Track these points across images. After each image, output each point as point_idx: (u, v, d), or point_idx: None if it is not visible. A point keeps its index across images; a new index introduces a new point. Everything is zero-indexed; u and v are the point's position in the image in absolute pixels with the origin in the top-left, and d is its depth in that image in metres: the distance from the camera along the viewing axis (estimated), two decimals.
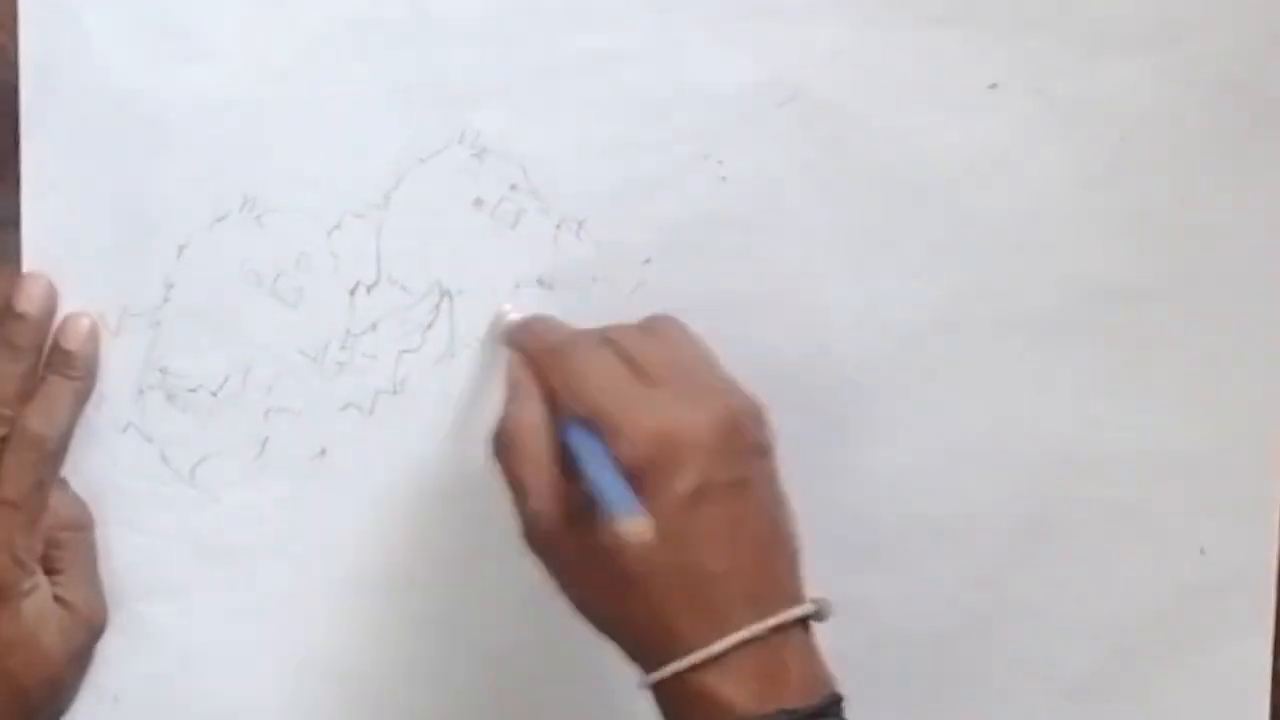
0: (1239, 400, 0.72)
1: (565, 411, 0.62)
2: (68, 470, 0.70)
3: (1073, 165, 0.71)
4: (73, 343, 0.69)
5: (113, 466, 0.71)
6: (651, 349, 0.64)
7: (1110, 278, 0.72)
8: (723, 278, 0.71)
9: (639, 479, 0.59)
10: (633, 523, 0.57)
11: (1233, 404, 0.72)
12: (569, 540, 0.62)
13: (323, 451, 0.72)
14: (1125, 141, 0.71)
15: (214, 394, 0.71)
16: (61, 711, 0.71)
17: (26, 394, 0.68)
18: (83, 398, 0.69)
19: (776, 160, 0.71)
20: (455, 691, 0.73)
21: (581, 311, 0.71)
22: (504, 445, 0.64)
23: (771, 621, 0.59)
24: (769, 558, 0.62)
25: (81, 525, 0.70)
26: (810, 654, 0.61)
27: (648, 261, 0.71)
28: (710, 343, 0.71)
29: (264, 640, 0.72)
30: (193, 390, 0.71)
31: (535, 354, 0.65)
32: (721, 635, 0.59)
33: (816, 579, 0.71)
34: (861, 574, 0.73)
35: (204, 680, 0.72)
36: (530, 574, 0.71)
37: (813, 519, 0.72)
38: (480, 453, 0.71)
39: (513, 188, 0.70)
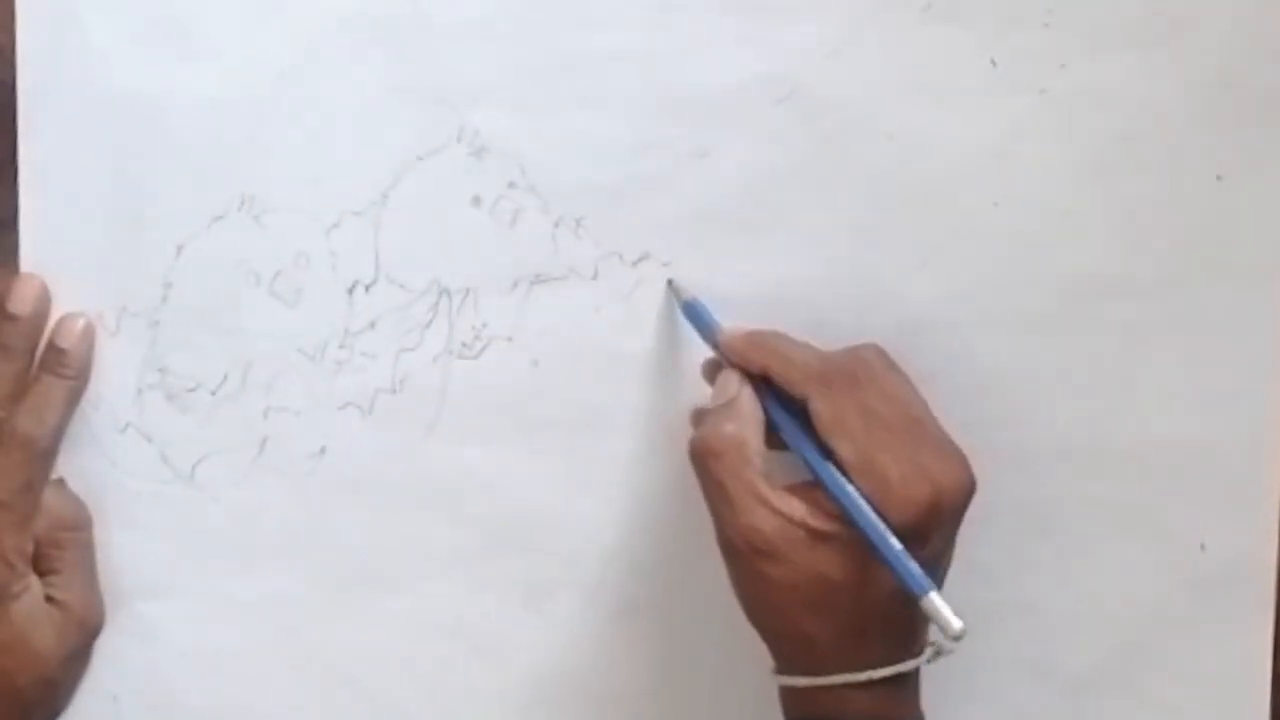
0: (1239, 396, 0.72)
1: (829, 449, 0.64)
2: (67, 470, 0.70)
3: (1070, 161, 0.71)
4: (66, 341, 0.69)
5: (112, 466, 0.71)
6: (894, 394, 0.66)
7: (1109, 273, 0.72)
8: (721, 275, 0.71)
9: (900, 538, 0.62)
10: (953, 620, 0.62)
11: (1232, 399, 0.72)
12: (788, 562, 0.63)
13: (322, 450, 0.72)
14: (1123, 137, 0.71)
15: (213, 393, 0.71)
16: (58, 711, 0.71)
17: (18, 394, 0.68)
18: (75, 397, 0.69)
19: (774, 157, 0.71)
20: (455, 691, 0.73)
21: (580, 310, 0.71)
22: (714, 456, 0.65)
23: (917, 662, 0.65)
24: None
25: (79, 525, 0.70)
26: (918, 683, 0.67)
27: (646, 259, 0.71)
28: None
29: (264, 640, 0.72)
30: (192, 390, 0.71)
31: (794, 377, 0.66)
32: (884, 665, 0.64)
33: None
34: None
35: (203, 680, 0.72)
36: (530, 574, 0.72)
37: None
38: (480, 452, 0.71)
39: (511, 186, 0.70)
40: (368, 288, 0.71)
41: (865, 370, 0.66)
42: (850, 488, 0.63)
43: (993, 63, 0.71)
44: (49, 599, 0.69)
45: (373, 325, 0.71)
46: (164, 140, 0.69)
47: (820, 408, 0.64)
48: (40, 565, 0.69)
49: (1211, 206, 0.71)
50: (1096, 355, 0.72)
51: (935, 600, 0.62)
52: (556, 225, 0.71)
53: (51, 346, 0.69)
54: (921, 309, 0.71)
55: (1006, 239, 0.71)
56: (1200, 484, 0.72)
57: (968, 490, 0.65)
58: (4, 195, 0.69)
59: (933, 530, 0.63)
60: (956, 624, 0.61)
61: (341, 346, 0.71)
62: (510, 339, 0.71)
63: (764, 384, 0.67)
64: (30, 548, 0.68)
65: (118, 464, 0.71)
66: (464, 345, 0.71)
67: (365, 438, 0.71)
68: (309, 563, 0.72)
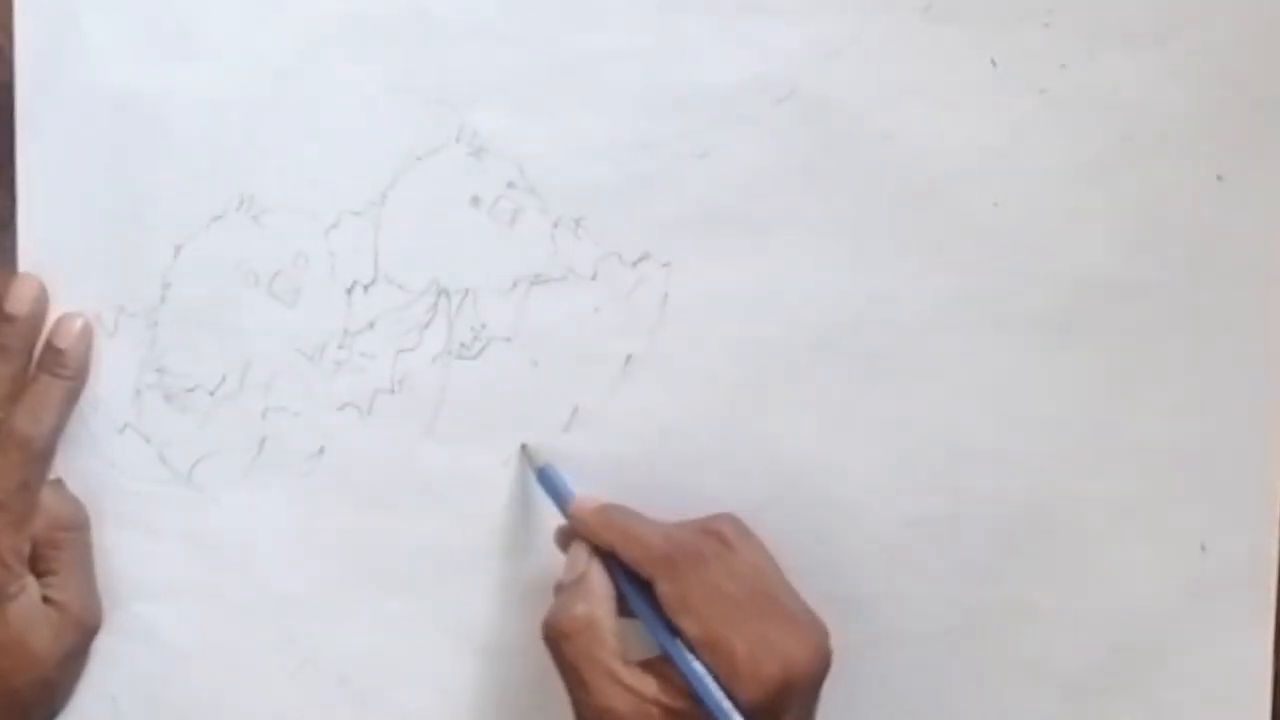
0: (1239, 396, 0.72)
1: (677, 626, 0.65)
2: (65, 471, 0.70)
3: (1070, 161, 0.71)
4: (64, 341, 0.69)
5: (111, 467, 0.71)
6: (743, 569, 0.66)
7: (1110, 274, 0.72)
8: (721, 276, 0.71)
9: (749, 715, 0.63)
10: None
11: (1233, 400, 0.72)
12: None
13: (321, 451, 0.71)
14: (1123, 137, 0.71)
15: (212, 394, 0.71)
16: (55, 712, 0.71)
17: (15, 394, 0.68)
18: (73, 397, 0.69)
19: (774, 158, 0.70)
20: (455, 691, 0.73)
21: (580, 311, 0.71)
22: (565, 637, 0.66)
23: None
24: None
25: (77, 525, 0.70)
26: None
27: (645, 259, 0.71)
28: (708, 342, 0.71)
29: (263, 640, 0.72)
30: (190, 390, 0.71)
31: (638, 557, 0.67)
32: None
33: (816, 578, 0.71)
34: (861, 572, 0.73)
35: (202, 680, 0.72)
36: (529, 574, 0.72)
37: (812, 518, 0.72)
38: (479, 452, 0.71)
39: (510, 186, 0.70)
40: (366, 288, 0.71)
41: (713, 547, 0.66)
42: (698, 666, 0.64)
43: (993, 63, 0.71)
44: (46, 599, 0.69)
45: (372, 325, 0.71)
46: (163, 140, 0.69)
47: (666, 589, 0.65)
48: (38, 566, 0.69)
49: (1211, 206, 0.71)
50: (1095, 356, 0.72)
51: None
52: (556, 225, 0.71)
53: (49, 346, 0.69)
54: (921, 309, 0.71)
55: (1007, 239, 0.71)
56: (1200, 484, 0.72)
57: (820, 664, 0.66)
58: (2, 195, 0.69)
59: (784, 708, 0.64)
60: None
61: (340, 347, 0.71)
62: (509, 339, 0.71)
63: (614, 558, 0.68)
64: (27, 548, 0.68)
65: (116, 464, 0.71)
66: (463, 346, 0.71)
67: (364, 438, 0.71)
68: (308, 563, 0.72)
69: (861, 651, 0.73)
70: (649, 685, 0.64)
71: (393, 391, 0.71)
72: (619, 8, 0.69)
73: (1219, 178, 0.71)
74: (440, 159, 0.70)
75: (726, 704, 0.63)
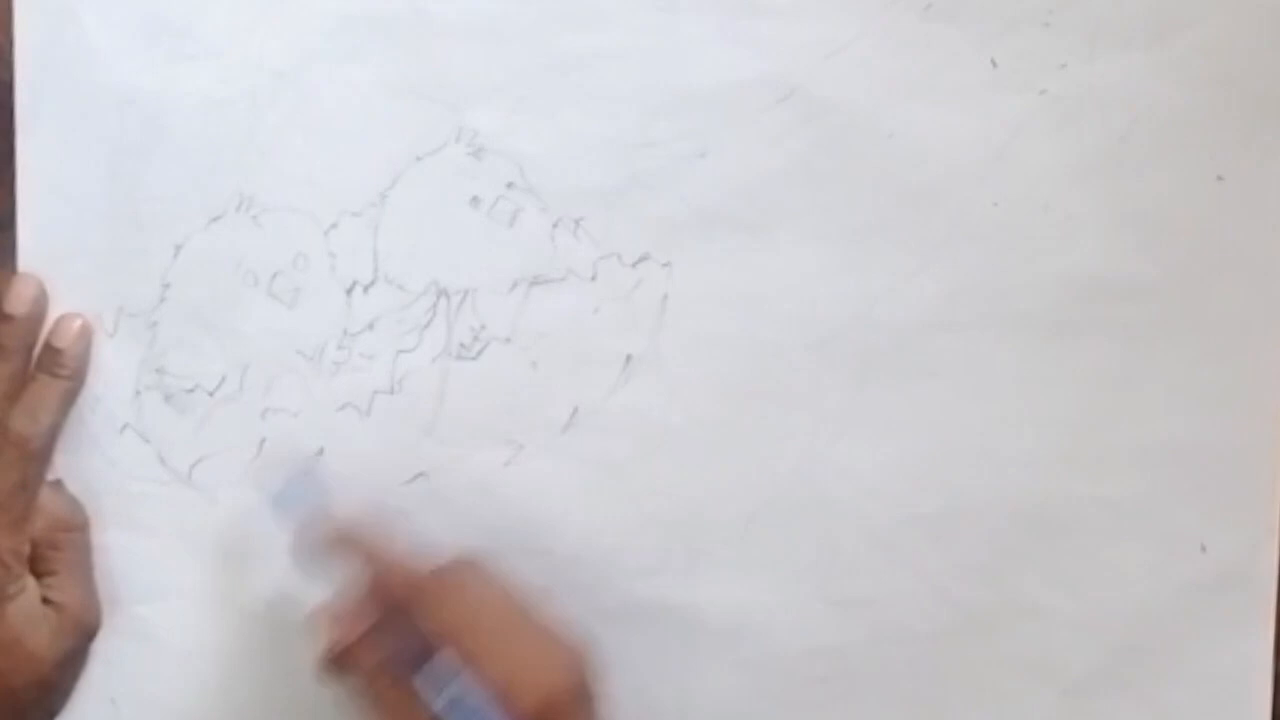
0: (1239, 396, 0.72)
1: (442, 650, 0.64)
2: (65, 471, 0.70)
3: (1070, 161, 0.71)
4: (62, 341, 0.69)
5: (110, 467, 0.71)
6: (496, 594, 0.66)
7: (1109, 274, 0.72)
8: (720, 276, 0.71)
9: None
10: None
11: (1233, 400, 0.72)
12: None
13: (320, 451, 0.71)
14: (1123, 137, 0.71)
15: (211, 394, 0.71)
16: (54, 713, 0.71)
17: (13, 394, 0.68)
18: (70, 397, 0.69)
19: (773, 158, 0.70)
20: None
21: (580, 311, 0.71)
22: (350, 668, 0.65)
23: None
24: None
25: (76, 526, 0.70)
26: None
27: (645, 259, 0.71)
28: (708, 342, 0.71)
29: (262, 641, 0.72)
30: (190, 390, 0.71)
31: (396, 586, 0.66)
32: None
33: (817, 576, 0.72)
34: (860, 572, 0.73)
35: (202, 681, 0.72)
36: (529, 574, 0.72)
37: (811, 517, 0.72)
38: (479, 453, 0.71)
39: (510, 186, 0.70)
40: (366, 288, 0.71)
41: (459, 574, 0.67)
42: (454, 685, 0.63)
43: (993, 63, 0.71)
44: (45, 600, 0.69)
45: (371, 326, 0.71)
46: (162, 140, 0.69)
47: (424, 614, 0.65)
48: (37, 566, 0.69)
49: (1211, 206, 0.71)
50: (1096, 356, 0.72)
51: None
52: (555, 226, 0.71)
53: (48, 346, 0.69)
54: (921, 309, 0.71)
55: (1006, 239, 0.71)
56: (1200, 485, 0.72)
57: (577, 668, 0.65)
58: (2, 195, 0.69)
59: None
60: None
61: (340, 347, 0.71)
62: (509, 340, 0.71)
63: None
64: (26, 548, 0.68)
65: (116, 465, 0.71)
66: (462, 346, 0.71)
67: (363, 439, 0.71)
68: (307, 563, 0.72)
69: (861, 651, 0.73)
70: None
71: (392, 392, 0.71)
72: (619, 8, 0.69)
73: (1219, 178, 0.71)
74: (440, 159, 0.70)
75: (482, 705, 0.62)
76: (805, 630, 0.73)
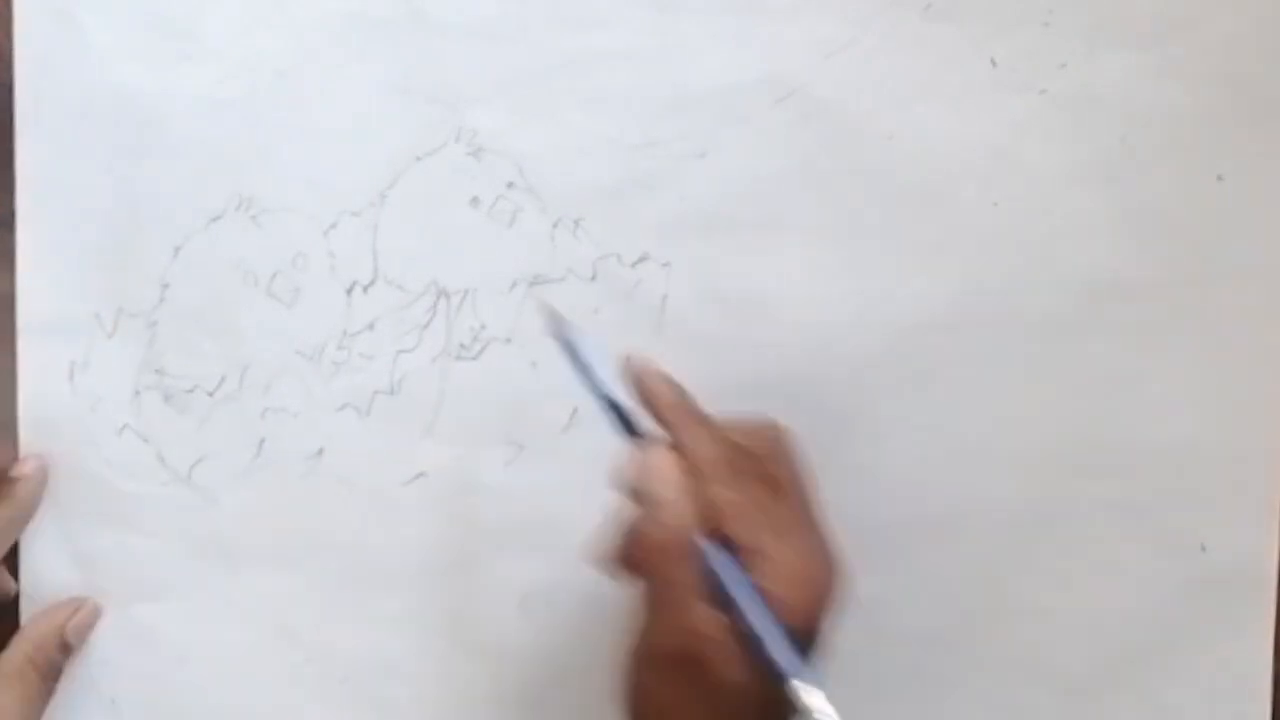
0: (1240, 397, 0.72)
1: (722, 539, 0.61)
2: (65, 471, 0.70)
3: (1070, 161, 0.71)
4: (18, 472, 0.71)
5: (109, 468, 0.71)
6: (785, 477, 0.63)
7: (1111, 275, 0.72)
8: (720, 276, 0.71)
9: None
10: (821, 702, 0.58)
11: (1233, 400, 0.72)
12: (710, 666, 0.60)
13: (320, 452, 0.71)
14: (1123, 137, 0.71)
15: (210, 394, 0.71)
16: None
17: None
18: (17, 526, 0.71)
19: (773, 158, 0.70)
20: (454, 692, 0.73)
21: (579, 310, 0.71)
22: (661, 552, 0.60)
23: None
24: None
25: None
26: None
27: (644, 259, 0.71)
28: (708, 342, 0.71)
29: (261, 641, 0.72)
30: (189, 391, 0.71)
31: (692, 460, 0.62)
32: None
33: None
34: (861, 572, 0.72)
35: (201, 681, 0.72)
36: (530, 574, 0.72)
37: None
38: (479, 453, 0.71)
39: (509, 186, 0.70)
40: (366, 289, 0.71)
41: (751, 453, 0.63)
42: (737, 577, 0.60)
43: (993, 63, 0.71)
44: None
45: (371, 326, 0.71)
46: (161, 140, 0.69)
47: (714, 497, 0.61)
48: None
49: (1211, 206, 0.71)
50: (1097, 355, 0.72)
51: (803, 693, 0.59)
52: (555, 226, 0.71)
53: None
54: (922, 310, 0.71)
55: (1007, 240, 0.71)
56: (1200, 484, 0.72)
57: (842, 588, 0.63)
58: (1, 195, 0.69)
59: (814, 627, 0.61)
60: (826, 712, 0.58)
61: (339, 347, 0.71)
62: (509, 340, 0.71)
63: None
64: None
65: (115, 465, 0.71)
66: (462, 346, 0.71)
67: (363, 439, 0.71)
68: (307, 564, 0.72)
69: (861, 651, 0.73)
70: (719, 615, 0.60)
71: (392, 392, 0.71)
72: (618, 8, 0.69)
73: (1219, 178, 0.71)
74: (439, 159, 0.70)
75: (783, 645, 0.59)
76: None
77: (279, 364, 0.71)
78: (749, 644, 0.59)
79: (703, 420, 0.64)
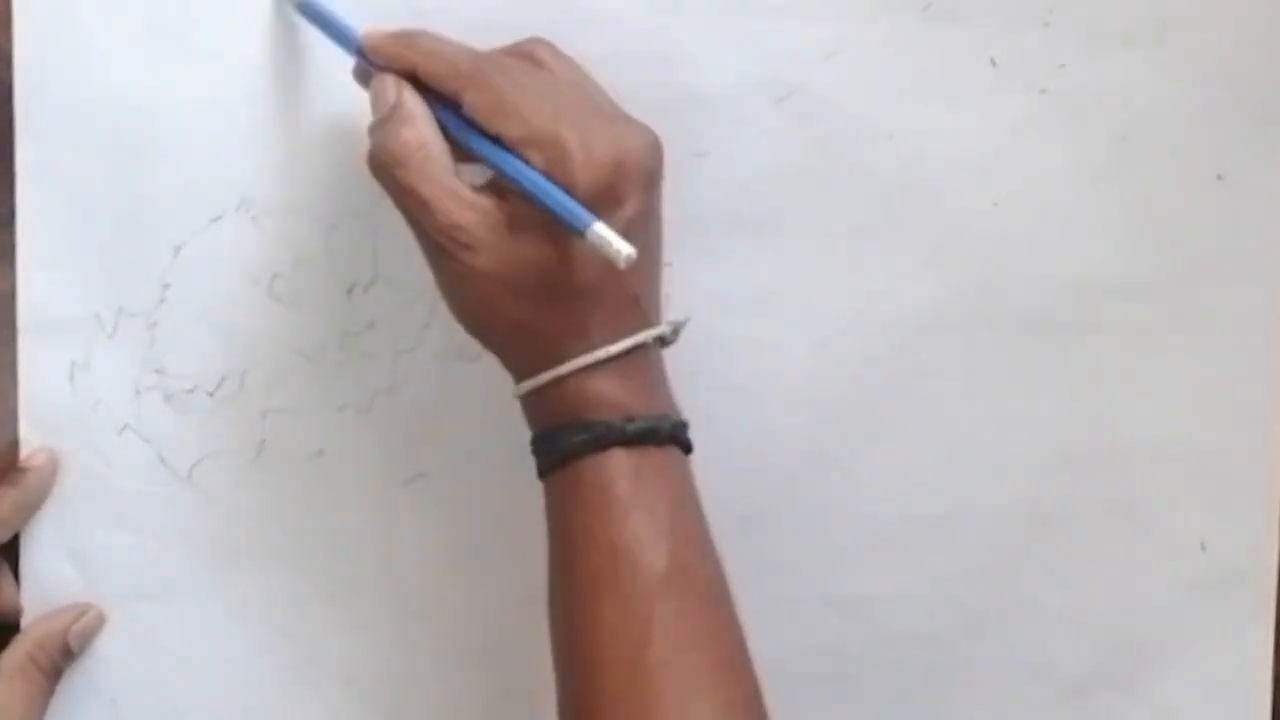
0: (1239, 396, 0.72)
1: (498, 133, 0.61)
2: (65, 471, 0.71)
3: (1070, 161, 0.71)
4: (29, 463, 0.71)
5: (109, 468, 0.71)
6: (560, 79, 0.64)
7: (1111, 274, 0.72)
8: (720, 276, 0.71)
9: (591, 204, 0.60)
10: (622, 245, 0.58)
11: (1233, 400, 0.72)
12: (494, 250, 0.61)
13: (320, 451, 0.71)
14: (1123, 137, 0.71)
15: (211, 394, 0.71)
16: None
17: None
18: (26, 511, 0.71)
19: (773, 158, 0.71)
20: (454, 691, 0.73)
21: None
22: (398, 164, 0.62)
23: (652, 332, 0.63)
24: (656, 278, 0.65)
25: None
26: (665, 376, 0.65)
27: None
28: (708, 342, 0.71)
29: (262, 641, 0.72)
30: (190, 391, 0.71)
31: (440, 75, 0.63)
32: (616, 340, 0.62)
33: (816, 576, 0.72)
34: (861, 572, 0.73)
35: (202, 681, 0.72)
36: (530, 575, 0.72)
37: (812, 516, 0.72)
38: (479, 453, 0.71)
39: None
40: (366, 289, 0.71)
41: (523, 64, 0.64)
42: (521, 163, 0.61)
43: (993, 63, 0.71)
44: None
45: (371, 326, 0.71)
46: (162, 141, 0.69)
47: (475, 99, 0.62)
48: None
49: (1211, 206, 0.72)
50: (1096, 356, 0.72)
51: (599, 230, 0.58)
52: None
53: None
54: (921, 309, 0.71)
55: (1007, 239, 0.71)
56: (1200, 484, 0.73)
57: (655, 150, 0.63)
58: (1, 195, 0.69)
59: (625, 190, 0.61)
60: (625, 248, 0.58)
61: (340, 347, 0.71)
62: None
63: (419, 84, 0.64)
64: None
65: (115, 465, 0.71)
66: (463, 346, 0.71)
67: (364, 439, 0.71)
68: (307, 564, 0.72)
69: (861, 651, 0.73)
70: (487, 199, 0.62)
71: (392, 392, 0.71)
72: (619, 8, 0.69)
73: (1219, 178, 0.71)
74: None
75: (558, 191, 0.60)
76: (805, 630, 0.73)
77: (280, 364, 0.71)
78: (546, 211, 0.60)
79: (444, 44, 0.65)
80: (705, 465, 0.71)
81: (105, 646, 0.72)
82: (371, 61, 0.65)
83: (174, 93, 0.69)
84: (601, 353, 0.62)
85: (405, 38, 0.65)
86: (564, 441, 0.62)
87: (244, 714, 0.73)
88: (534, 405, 0.64)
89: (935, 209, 0.71)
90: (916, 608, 0.73)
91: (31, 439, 0.71)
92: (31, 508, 0.70)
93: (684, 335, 0.70)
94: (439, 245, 0.62)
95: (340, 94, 0.69)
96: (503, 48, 0.66)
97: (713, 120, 0.70)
